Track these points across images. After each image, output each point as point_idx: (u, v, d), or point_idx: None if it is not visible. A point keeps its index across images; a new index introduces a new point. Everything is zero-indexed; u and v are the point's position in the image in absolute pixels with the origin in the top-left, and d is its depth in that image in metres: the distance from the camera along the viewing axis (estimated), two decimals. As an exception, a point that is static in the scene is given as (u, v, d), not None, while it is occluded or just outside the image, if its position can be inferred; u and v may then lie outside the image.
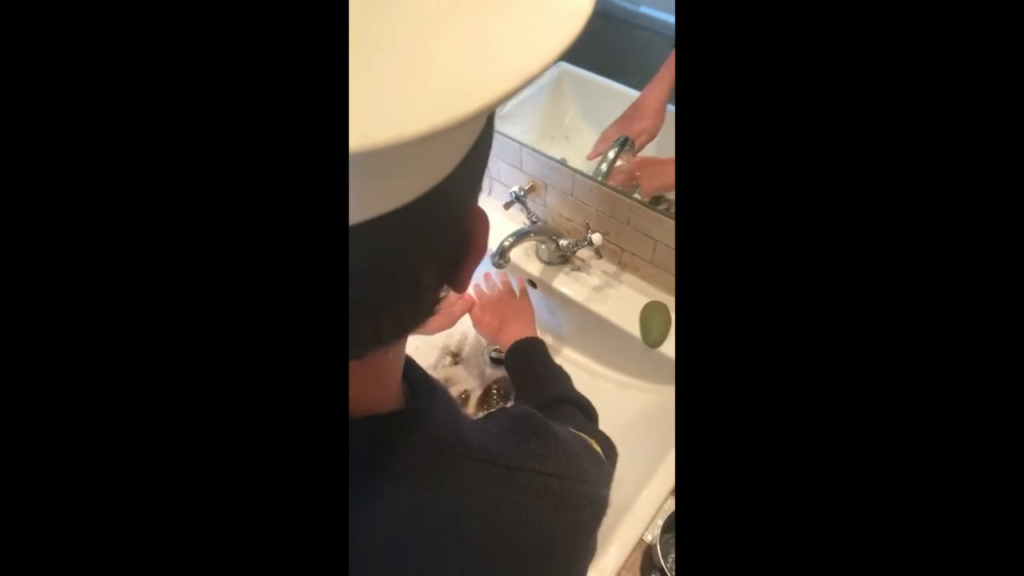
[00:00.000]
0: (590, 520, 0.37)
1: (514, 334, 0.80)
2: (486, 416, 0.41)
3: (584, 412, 0.66)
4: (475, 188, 0.26)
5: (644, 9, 0.89)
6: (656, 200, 0.89)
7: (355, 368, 0.27)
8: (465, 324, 0.94)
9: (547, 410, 0.64)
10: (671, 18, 0.87)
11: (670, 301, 0.86)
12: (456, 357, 0.95)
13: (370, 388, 0.30)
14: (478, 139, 0.23)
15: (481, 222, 0.28)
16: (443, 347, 0.96)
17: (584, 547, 0.37)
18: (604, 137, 0.85)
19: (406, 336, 0.30)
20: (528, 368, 0.74)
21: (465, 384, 0.92)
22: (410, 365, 0.35)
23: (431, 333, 0.83)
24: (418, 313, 0.28)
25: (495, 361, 0.94)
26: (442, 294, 0.29)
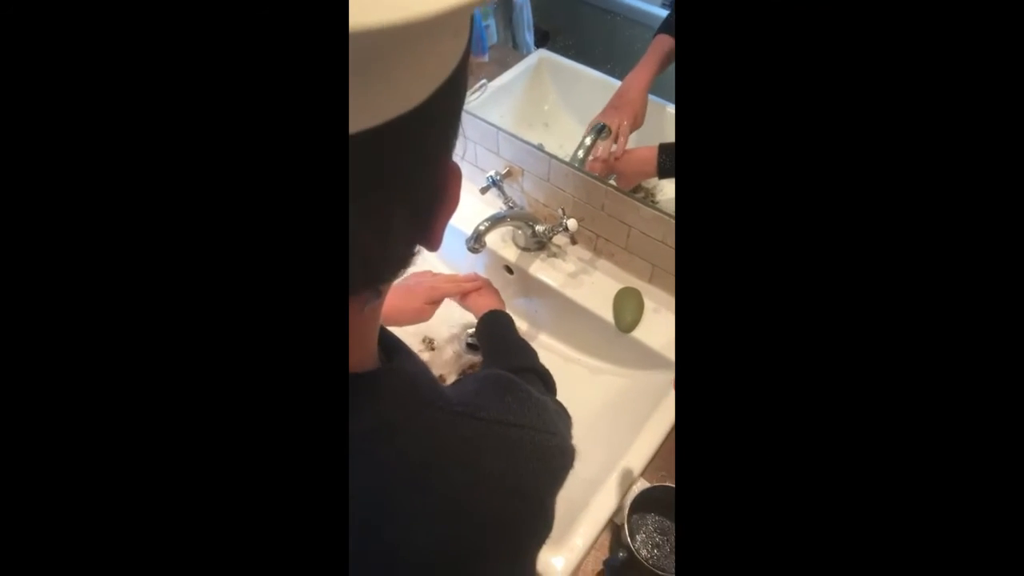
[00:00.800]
0: (561, 470, 0.39)
1: (489, 303, 0.81)
2: (457, 380, 0.42)
3: (544, 383, 0.68)
4: (448, 135, 0.26)
5: (625, -2, 0.89)
6: (633, 188, 0.90)
7: None
8: (442, 310, 0.94)
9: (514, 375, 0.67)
10: (652, 7, 0.87)
11: (644, 287, 0.87)
12: (432, 343, 0.95)
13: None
14: (451, 79, 0.23)
15: (455, 175, 0.28)
16: (421, 334, 0.96)
17: (555, 495, 0.38)
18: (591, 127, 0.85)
19: (378, 290, 0.30)
20: (499, 335, 0.76)
21: (441, 369, 0.93)
22: (384, 332, 0.36)
23: (404, 324, 0.83)
24: (389, 262, 0.28)
25: (471, 347, 0.94)
26: (415, 249, 0.29)
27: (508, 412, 0.36)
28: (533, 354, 0.73)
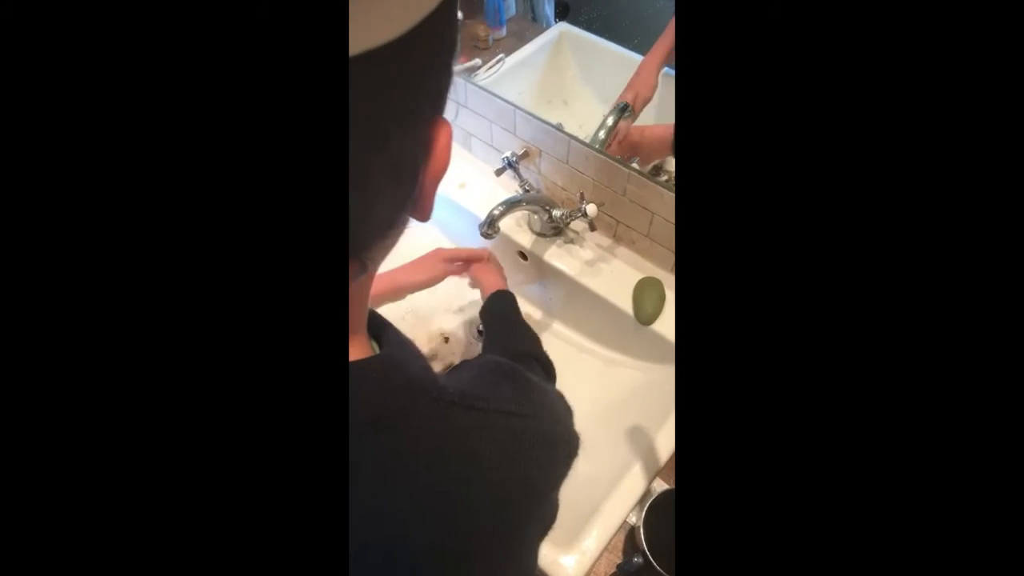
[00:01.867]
0: (565, 459, 0.37)
1: (495, 281, 0.79)
2: (454, 367, 0.40)
3: (545, 370, 0.66)
4: (434, 85, 0.24)
5: (649, -30, 0.84)
6: (655, 171, 0.85)
7: None
8: (454, 299, 0.91)
9: (514, 360, 0.64)
10: (678, -21, 0.82)
11: (665, 277, 0.82)
12: (446, 337, 0.92)
13: None
14: (433, 17, 0.21)
15: (443, 132, 0.25)
16: (436, 327, 0.93)
17: (558, 486, 0.36)
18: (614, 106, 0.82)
19: (363, 261, 0.28)
20: (503, 317, 0.74)
21: (452, 358, 0.90)
22: (375, 317, 0.34)
23: (423, 287, 0.79)
24: (371, 226, 0.25)
25: (483, 334, 0.91)
26: (403, 217, 0.27)
27: (508, 401, 0.34)
28: (536, 340, 0.71)
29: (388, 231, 0.27)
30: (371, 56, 0.19)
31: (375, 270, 0.30)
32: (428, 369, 0.32)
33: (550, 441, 0.35)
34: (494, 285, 0.78)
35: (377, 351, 0.32)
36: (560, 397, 0.51)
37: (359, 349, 0.30)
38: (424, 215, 0.28)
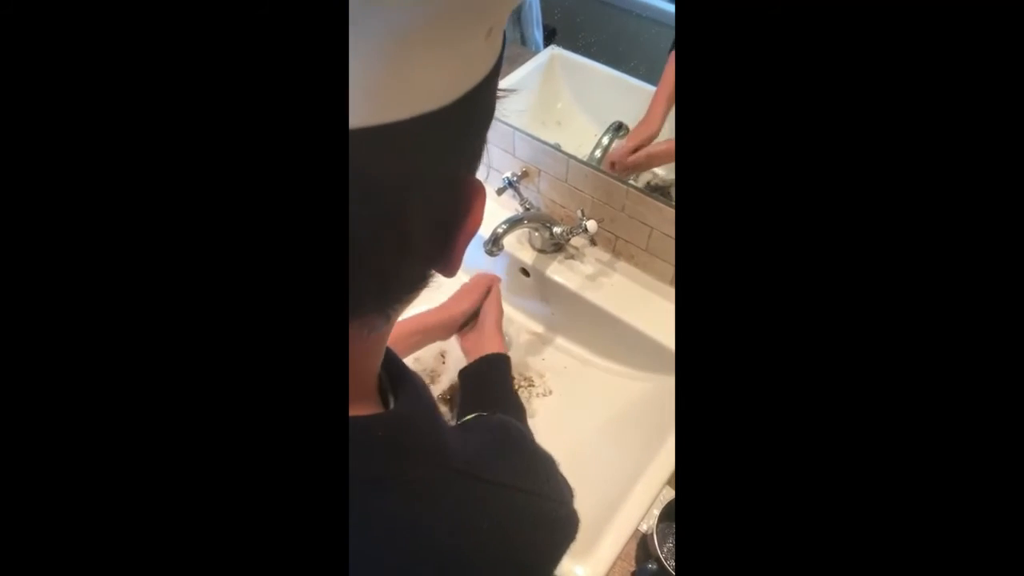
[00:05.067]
0: (564, 542, 0.36)
1: (491, 339, 0.78)
2: (464, 425, 0.39)
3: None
4: (476, 148, 0.25)
5: (638, -5, 0.87)
6: (651, 187, 0.88)
7: None
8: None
9: None
10: (666, 5, 0.86)
11: (664, 289, 0.85)
12: (442, 352, 0.93)
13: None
14: (481, 87, 0.22)
15: (479, 195, 0.26)
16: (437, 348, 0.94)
17: (555, 567, 0.36)
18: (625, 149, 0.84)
19: (387, 314, 0.28)
20: (491, 386, 0.73)
21: (450, 376, 0.91)
22: (390, 359, 0.33)
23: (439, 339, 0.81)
24: (403, 280, 0.26)
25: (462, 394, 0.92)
26: (430, 272, 0.27)
27: (514, 475, 0.33)
28: (523, 414, 0.70)
29: (418, 285, 0.27)
30: (419, 121, 0.20)
31: (394, 321, 0.30)
32: (439, 428, 0.31)
33: (550, 522, 0.34)
34: (490, 343, 0.77)
35: (390, 404, 0.31)
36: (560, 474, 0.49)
37: (369, 396, 0.30)
38: (452, 271, 0.28)
